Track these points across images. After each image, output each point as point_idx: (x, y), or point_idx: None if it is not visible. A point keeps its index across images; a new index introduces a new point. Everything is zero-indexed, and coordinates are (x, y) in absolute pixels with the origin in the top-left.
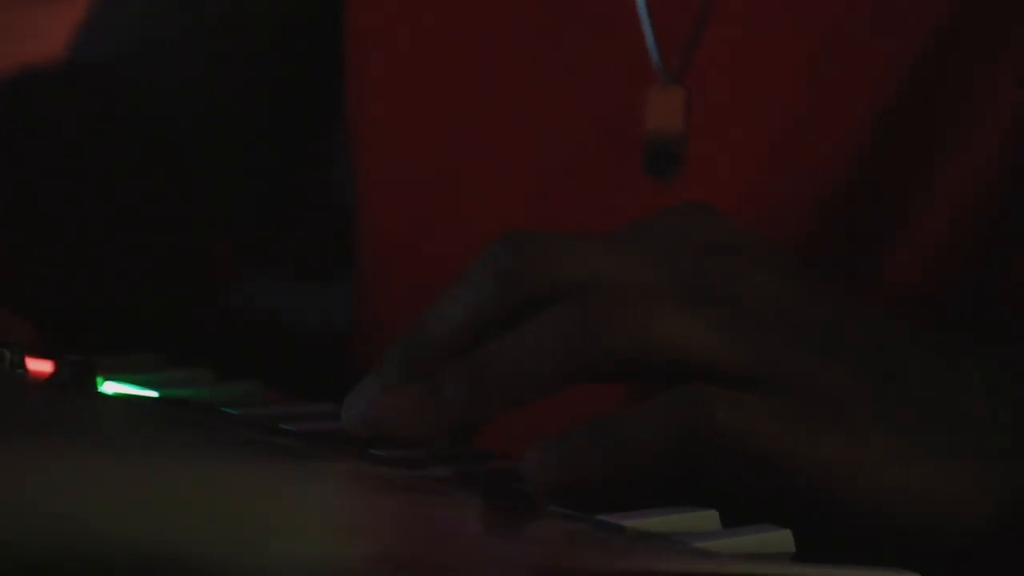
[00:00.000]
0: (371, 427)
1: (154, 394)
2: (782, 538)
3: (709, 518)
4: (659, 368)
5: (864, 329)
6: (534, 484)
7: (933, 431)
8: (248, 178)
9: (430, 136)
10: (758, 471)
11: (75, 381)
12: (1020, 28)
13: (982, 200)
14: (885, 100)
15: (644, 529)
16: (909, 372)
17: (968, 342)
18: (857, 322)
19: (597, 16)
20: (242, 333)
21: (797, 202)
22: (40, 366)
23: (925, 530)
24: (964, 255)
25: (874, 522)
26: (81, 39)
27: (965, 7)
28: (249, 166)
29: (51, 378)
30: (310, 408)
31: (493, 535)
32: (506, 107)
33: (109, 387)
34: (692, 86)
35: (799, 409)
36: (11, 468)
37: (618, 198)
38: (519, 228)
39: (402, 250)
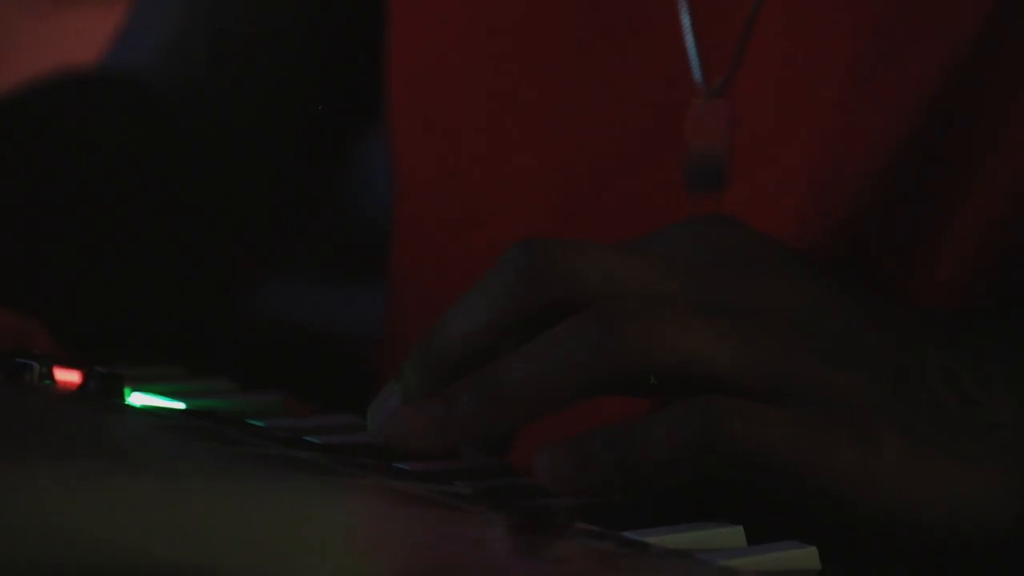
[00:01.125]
0: (389, 438)
1: (181, 406)
2: (807, 556)
3: (734, 535)
4: (675, 381)
5: (884, 333)
6: (549, 485)
7: (953, 436)
8: (281, 185)
9: (466, 145)
10: (773, 482)
11: (103, 393)
12: None
13: (1020, 209)
14: (926, 108)
15: (669, 546)
16: (931, 375)
17: (993, 338)
18: (877, 327)
19: (638, 28)
20: (271, 339)
21: (842, 216)
22: (68, 377)
23: (949, 538)
24: (1003, 264)
25: (895, 531)
26: (111, 44)
27: (1004, 11)
28: (283, 173)
29: (79, 390)
30: (333, 420)
31: (517, 552)
32: (543, 117)
33: (136, 399)
34: (734, 101)
35: (814, 420)
36: (42, 482)
37: (656, 214)
38: (546, 236)
39: (435, 259)
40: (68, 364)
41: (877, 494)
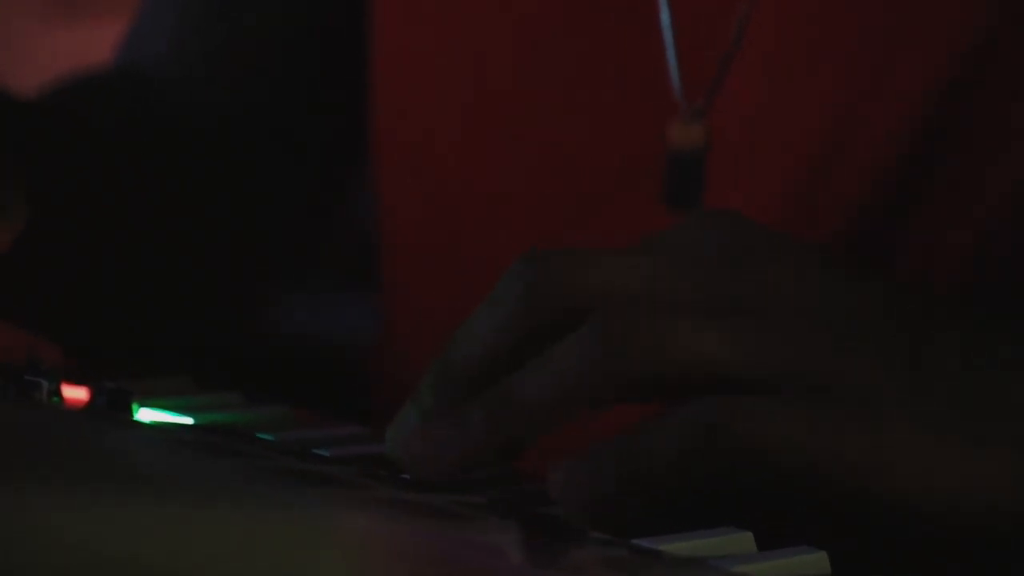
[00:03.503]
0: (408, 459)
1: (189, 420)
2: (818, 560)
3: (744, 540)
4: (685, 384)
5: (895, 319)
6: (564, 505)
7: (970, 420)
8: (276, 195)
9: (451, 156)
10: (781, 478)
11: (111, 409)
12: None
13: (1020, 213)
14: (910, 128)
15: (680, 553)
16: (943, 360)
17: (1007, 322)
18: (888, 313)
19: (625, 46)
20: (269, 350)
21: (825, 236)
22: (75, 393)
23: (966, 527)
24: (1001, 269)
25: (909, 521)
26: (118, 53)
27: (998, 19)
28: (276, 182)
29: (87, 407)
30: (340, 431)
31: (530, 562)
32: (529, 129)
33: (144, 414)
34: (715, 124)
35: (822, 411)
36: (48, 502)
37: (636, 225)
38: (537, 246)
39: (423, 270)
40: (75, 379)
41: (889, 482)
